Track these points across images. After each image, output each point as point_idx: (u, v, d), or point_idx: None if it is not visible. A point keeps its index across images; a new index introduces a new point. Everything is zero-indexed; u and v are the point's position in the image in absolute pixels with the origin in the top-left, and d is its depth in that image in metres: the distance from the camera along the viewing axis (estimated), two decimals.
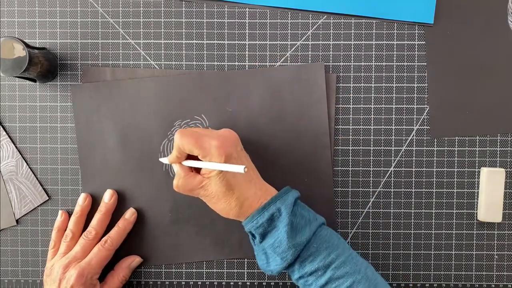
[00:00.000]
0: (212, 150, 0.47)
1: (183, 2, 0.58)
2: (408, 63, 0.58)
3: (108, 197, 0.57)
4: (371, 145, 0.58)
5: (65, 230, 0.56)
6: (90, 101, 0.58)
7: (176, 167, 0.51)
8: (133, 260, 0.57)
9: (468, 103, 0.58)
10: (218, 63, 0.58)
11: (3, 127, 0.59)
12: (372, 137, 0.58)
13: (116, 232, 0.56)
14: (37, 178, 0.59)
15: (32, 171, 0.59)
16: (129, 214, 0.57)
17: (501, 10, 0.57)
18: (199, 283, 0.59)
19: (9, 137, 0.59)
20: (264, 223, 0.48)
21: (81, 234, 0.56)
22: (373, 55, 0.58)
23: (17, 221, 0.59)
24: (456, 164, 0.58)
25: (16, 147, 0.59)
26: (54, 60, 0.58)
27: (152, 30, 0.59)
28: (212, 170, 0.48)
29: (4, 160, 0.58)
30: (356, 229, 0.58)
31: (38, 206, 0.59)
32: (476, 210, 0.58)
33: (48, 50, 0.58)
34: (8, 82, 0.59)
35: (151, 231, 0.58)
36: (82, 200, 0.57)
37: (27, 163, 0.59)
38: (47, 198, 0.58)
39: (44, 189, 0.58)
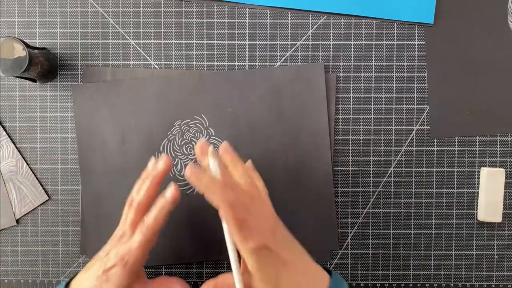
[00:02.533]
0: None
1: (183, 2, 0.58)
2: (408, 63, 0.58)
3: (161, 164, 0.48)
4: (371, 145, 0.58)
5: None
6: (90, 101, 0.58)
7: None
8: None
9: (468, 103, 0.58)
10: (218, 63, 0.58)
11: (3, 127, 0.59)
12: (372, 137, 0.58)
13: (154, 215, 0.47)
14: (37, 178, 0.59)
15: (32, 171, 0.59)
16: (169, 192, 0.48)
17: (501, 10, 0.57)
18: (199, 283, 0.59)
19: (9, 137, 0.59)
20: None
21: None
22: (373, 55, 0.58)
23: (17, 221, 0.59)
24: (456, 164, 0.58)
25: (16, 147, 0.59)
26: (54, 60, 0.58)
27: (152, 30, 0.59)
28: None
29: (4, 160, 0.59)
30: (356, 229, 0.58)
31: (38, 206, 0.59)
32: (476, 210, 0.58)
33: (48, 50, 0.58)
34: (8, 82, 0.59)
35: None
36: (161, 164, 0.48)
37: (27, 163, 0.59)
38: (47, 198, 0.58)
39: (44, 189, 0.58)
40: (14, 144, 0.59)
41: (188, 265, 0.59)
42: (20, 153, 0.59)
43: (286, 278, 0.42)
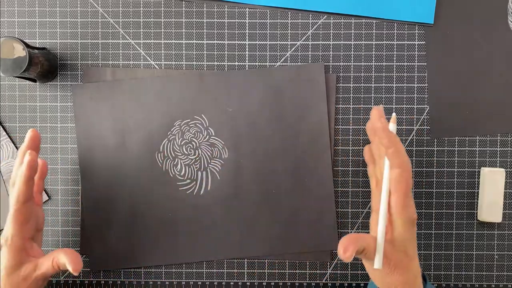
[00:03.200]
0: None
1: (183, 2, 0.58)
2: (408, 63, 0.58)
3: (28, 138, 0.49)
4: None
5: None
6: (90, 101, 0.58)
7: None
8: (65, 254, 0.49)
9: (468, 103, 0.58)
10: (218, 63, 0.58)
11: (3, 127, 0.59)
12: None
13: (16, 185, 0.48)
14: None
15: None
16: (25, 159, 0.47)
17: (501, 10, 0.57)
18: (199, 283, 0.59)
19: (9, 137, 0.59)
20: None
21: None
22: (373, 55, 0.58)
23: None
24: (456, 164, 0.58)
25: (16, 147, 0.59)
26: (54, 60, 0.58)
27: (152, 30, 0.59)
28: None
29: (4, 160, 0.58)
30: (356, 229, 0.58)
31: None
32: (476, 210, 0.58)
33: (48, 50, 0.58)
34: (8, 82, 0.59)
35: (151, 231, 0.58)
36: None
37: None
38: (47, 198, 0.58)
39: (44, 189, 0.58)
40: (14, 144, 0.59)
41: (188, 265, 0.59)
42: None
43: (415, 263, 0.45)
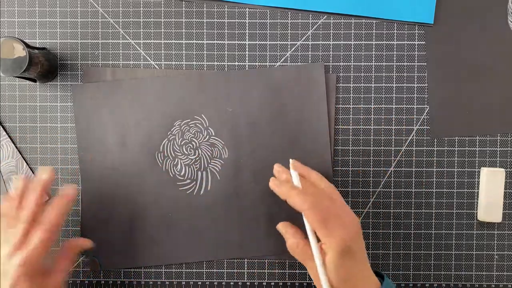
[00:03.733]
0: (334, 240, 0.45)
1: (183, 2, 0.58)
2: (408, 63, 0.58)
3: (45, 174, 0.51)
4: (371, 145, 0.58)
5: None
6: (90, 101, 0.58)
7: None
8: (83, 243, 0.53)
9: (468, 103, 0.58)
10: (218, 63, 0.58)
11: (3, 127, 0.59)
12: (372, 137, 0.58)
13: (53, 212, 0.50)
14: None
15: (32, 171, 0.59)
16: (68, 190, 0.51)
17: (501, 10, 0.57)
18: (199, 283, 0.59)
19: (9, 137, 0.59)
20: None
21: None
22: (373, 55, 0.58)
23: None
24: (456, 164, 0.58)
25: (16, 147, 0.59)
26: (54, 60, 0.58)
27: (152, 30, 0.59)
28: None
29: (4, 160, 0.59)
30: None
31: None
32: (476, 210, 0.58)
33: (48, 50, 0.58)
34: (8, 82, 0.59)
35: (150, 231, 0.58)
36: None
37: (27, 163, 0.59)
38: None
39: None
40: (14, 144, 0.59)
41: (188, 265, 0.59)
42: (20, 153, 0.59)
43: (354, 277, 0.46)
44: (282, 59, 0.58)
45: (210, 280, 0.59)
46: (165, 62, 0.59)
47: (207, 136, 0.58)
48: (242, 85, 0.58)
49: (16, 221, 0.49)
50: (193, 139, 0.58)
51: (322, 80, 0.57)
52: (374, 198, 0.58)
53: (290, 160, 0.51)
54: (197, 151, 0.58)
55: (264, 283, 0.59)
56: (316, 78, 0.57)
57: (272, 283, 0.59)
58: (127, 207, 0.58)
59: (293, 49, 0.58)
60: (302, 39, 0.58)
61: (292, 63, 0.58)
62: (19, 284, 0.46)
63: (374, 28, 0.58)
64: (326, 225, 0.45)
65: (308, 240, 0.47)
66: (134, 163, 0.58)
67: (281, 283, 0.59)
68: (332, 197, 0.49)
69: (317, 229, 0.45)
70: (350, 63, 0.58)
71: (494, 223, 0.58)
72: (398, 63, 0.58)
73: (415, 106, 0.58)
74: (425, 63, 0.58)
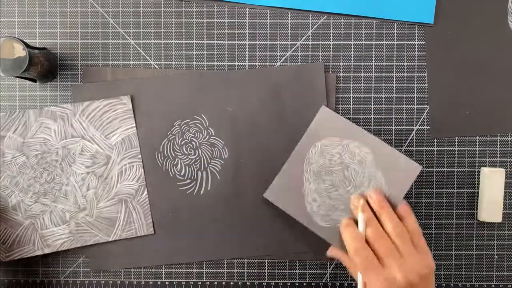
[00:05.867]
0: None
1: (183, 2, 0.58)
2: (408, 63, 0.58)
3: None
4: None
5: None
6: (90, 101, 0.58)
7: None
8: None
9: (468, 103, 0.58)
10: (218, 63, 0.58)
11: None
12: None
13: None
14: (151, 210, 0.58)
15: (149, 202, 0.58)
16: None
17: (501, 10, 0.57)
18: (199, 283, 0.59)
19: (142, 163, 0.57)
20: None
21: None
22: (373, 55, 0.58)
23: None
24: (456, 164, 0.58)
25: (145, 174, 0.57)
26: (54, 60, 0.58)
27: (152, 30, 0.59)
28: None
29: (127, 180, 0.57)
30: None
31: (139, 236, 0.58)
32: (476, 210, 0.58)
33: (48, 50, 0.58)
34: (8, 82, 0.59)
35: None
36: None
37: (148, 192, 0.58)
38: (153, 232, 0.58)
39: (153, 222, 0.58)
40: (144, 170, 0.57)
41: (188, 265, 0.59)
42: (146, 181, 0.58)
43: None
44: (282, 59, 0.58)
45: (210, 280, 0.59)
46: (165, 62, 0.59)
47: (207, 136, 0.58)
48: (242, 85, 0.58)
49: None
50: (193, 139, 0.58)
51: (322, 80, 0.57)
52: None
53: (361, 199, 0.52)
54: (197, 151, 0.58)
55: (264, 283, 0.59)
56: (316, 78, 0.57)
57: (272, 283, 0.59)
58: None
59: (293, 49, 0.58)
60: (302, 39, 0.58)
61: (292, 63, 0.58)
62: None
63: (374, 28, 0.58)
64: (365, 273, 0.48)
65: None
66: None
67: (281, 283, 0.59)
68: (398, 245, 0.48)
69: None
70: (350, 63, 0.58)
71: (494, 223, 0.58)
72: (398, 63, 0.58)
73: (415, 106, 0.58)
74: (425, 63, 0.58)
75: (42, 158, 0.56)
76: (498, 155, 0.58)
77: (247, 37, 0.58)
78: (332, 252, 0.53)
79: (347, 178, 0.55)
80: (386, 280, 0.46)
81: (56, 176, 0.57)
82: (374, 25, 0.58)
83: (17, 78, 0.58)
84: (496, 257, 0.58)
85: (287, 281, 0.59)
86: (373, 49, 0.58)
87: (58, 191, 0.57)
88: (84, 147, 0.57)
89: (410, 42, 0.58)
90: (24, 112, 0.57)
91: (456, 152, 0.58)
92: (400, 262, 0.46)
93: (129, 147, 0.57)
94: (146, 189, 0.57)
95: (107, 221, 0.57)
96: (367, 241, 0.49)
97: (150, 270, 0.59)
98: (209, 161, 0.58)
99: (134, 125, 0.57)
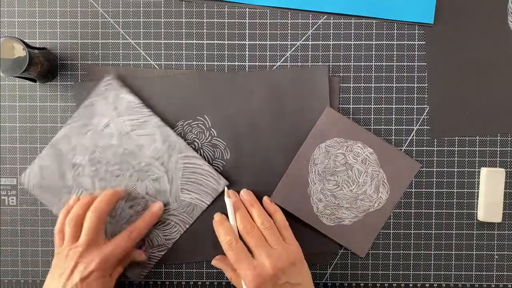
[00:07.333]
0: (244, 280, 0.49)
1: (183, 2, 0.58)
2: (408, 63, 0.58)
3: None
4: None
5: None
6: None
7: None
8: (139, 255, 0.57)
9: (468, 103, 0.58)
10: (218, 63, 0.58)
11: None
12: None
13: (142, 224, 0.55)
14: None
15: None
16: (157, 208, 0.57)
17: (501, 10, 0.57)
18: (199, 283, 0.59)
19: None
20: None
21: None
22: (373, 55, 0.58)
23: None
24: (456, 164, 0.58)
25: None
26: (54, 60, 0.58)
27: (152, 30, 0.58)
28: None
29: None
30: None
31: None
32: (476, 210, 0.58)
33: (48, 50, 0.58)
34: (8, 82, 0.59)
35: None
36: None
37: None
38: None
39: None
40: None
41: (188, 265, 0.59)
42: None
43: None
44: (282, 59, 0.58)
45: (210, 280, 0.59)
46: (165, 62, 0.58)
47: (209, 137, 0.58)
48: (245, 86, 0.58)
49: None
50: (196, 139, 0.58)
51: (326, 82, 0.57)
52: None
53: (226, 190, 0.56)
54: (199, 151, 0.58)
55: None
56: (319, 81, 0.57)
57: None
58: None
59: (293, 49, 0.58)
60: (302, 39, 0.58)
61: (293, 63, 0.58)
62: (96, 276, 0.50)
63: (374, 28, 0.58)
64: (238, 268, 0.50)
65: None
66: None
67: None
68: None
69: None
70: (350, 63, 0.58)
71: (494, 223, 0.58)
72: (398, 63, 0.58)
73: (415, 106, 0.58)
74: (425, 63, 0.58)
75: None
76: (498, 155, 0.58)
77: (247, 37, 0.58)
78: (215, 263, 0.56)
79: (351, 177, 0.56)
80: (255, 268, 0.49)
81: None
82: (374, 25, 0.58)
83: (17, 78, 0.58)
84: (496, 257, 0.58)
85: None
86: (373, 49, 0.58)
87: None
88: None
89: (410, 42, 0.58)
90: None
91: (456, 152, 0.58)
92: (269, 252, 0.50)
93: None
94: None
95: None
96: (240, 237, 0.52)
97: (150, 270, 0.59)
98: (211, 162, 0.58)
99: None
